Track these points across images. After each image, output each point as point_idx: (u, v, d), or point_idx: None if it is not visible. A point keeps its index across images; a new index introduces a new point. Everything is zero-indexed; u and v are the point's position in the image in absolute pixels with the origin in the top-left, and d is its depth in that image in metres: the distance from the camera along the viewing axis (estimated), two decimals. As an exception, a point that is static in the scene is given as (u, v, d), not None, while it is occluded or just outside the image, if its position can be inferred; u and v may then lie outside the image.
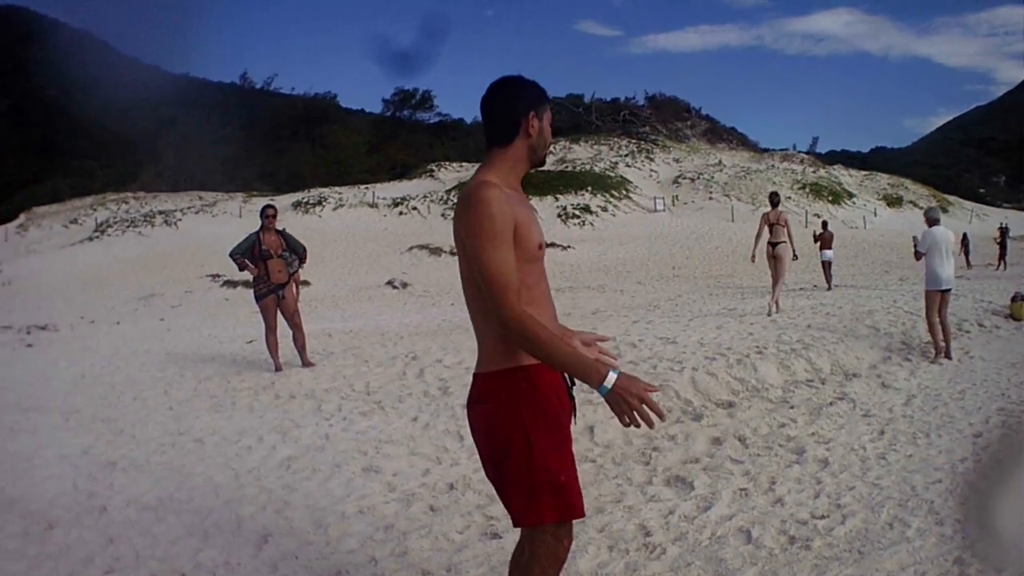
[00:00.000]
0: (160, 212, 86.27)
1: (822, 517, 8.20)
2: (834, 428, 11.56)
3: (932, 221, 18.23)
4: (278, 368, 17.29)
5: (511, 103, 5.02)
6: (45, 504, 9.88)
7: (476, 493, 9.50)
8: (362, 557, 7.97)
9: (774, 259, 24.88)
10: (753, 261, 26.41)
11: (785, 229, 24.87)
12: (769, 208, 25.70)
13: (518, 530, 5.07)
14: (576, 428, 10.98)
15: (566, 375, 4.99)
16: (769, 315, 22.21)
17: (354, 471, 10.48)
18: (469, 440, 11.08)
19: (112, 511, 9.63)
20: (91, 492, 10.30)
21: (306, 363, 17.56)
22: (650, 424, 4.41)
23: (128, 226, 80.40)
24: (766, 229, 25.12)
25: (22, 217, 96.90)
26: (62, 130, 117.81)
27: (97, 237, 78.13)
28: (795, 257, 25.28)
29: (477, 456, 10.10)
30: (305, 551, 8.19)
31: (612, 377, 4.40)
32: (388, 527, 8.64)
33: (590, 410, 11.91)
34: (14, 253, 75.00)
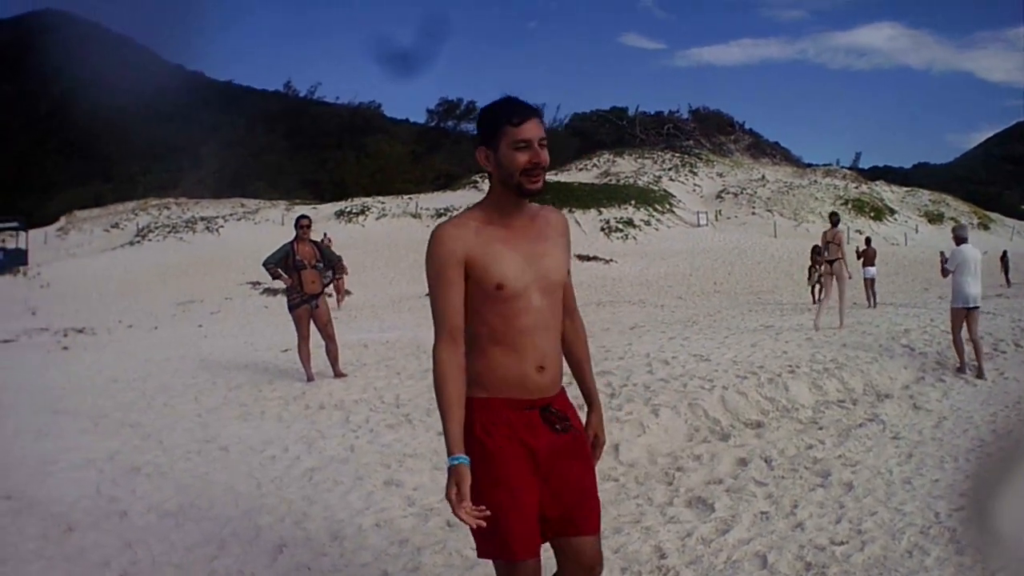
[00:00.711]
0: (202, 218, 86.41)
1: (841, 543, 8.05)
2: (862, 450, 11.38)
3: (960, 239, 18.13)
4: (310, 378, 17.24)
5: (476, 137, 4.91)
6: (66, 507, 9.94)
7: (495, 510, 9.38)
8: (375, 571, 7.94)
9: (832, 276, 25.73)
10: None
11: (840, 248, 25.64)
12: (829, 227, 26.67)
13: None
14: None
15: (551, 408, 4.95)
16: (822, 327, 22.83)
17: (375, 484, 10.45)
18: None
19: (132, 516, 9.67)
20: (113, 497, 10.35)
21: (338, 374, 17.51)
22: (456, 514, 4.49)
23: (169, 231, 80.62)
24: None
25: (63, 220, 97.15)
26: (103, 134, 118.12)
27: (138, 242, 78.42)
28: (849, 276, 25.99)
29: None
30: (319, 563, 8.17)
31: (449, 463, 4.58)
32: (403, 541, 8.60)
33: (616, 428, 11.88)
34: (54, 256, 75.25)
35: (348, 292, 44.65)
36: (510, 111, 4.72)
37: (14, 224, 74.72)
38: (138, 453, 12.27)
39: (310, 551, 8.48)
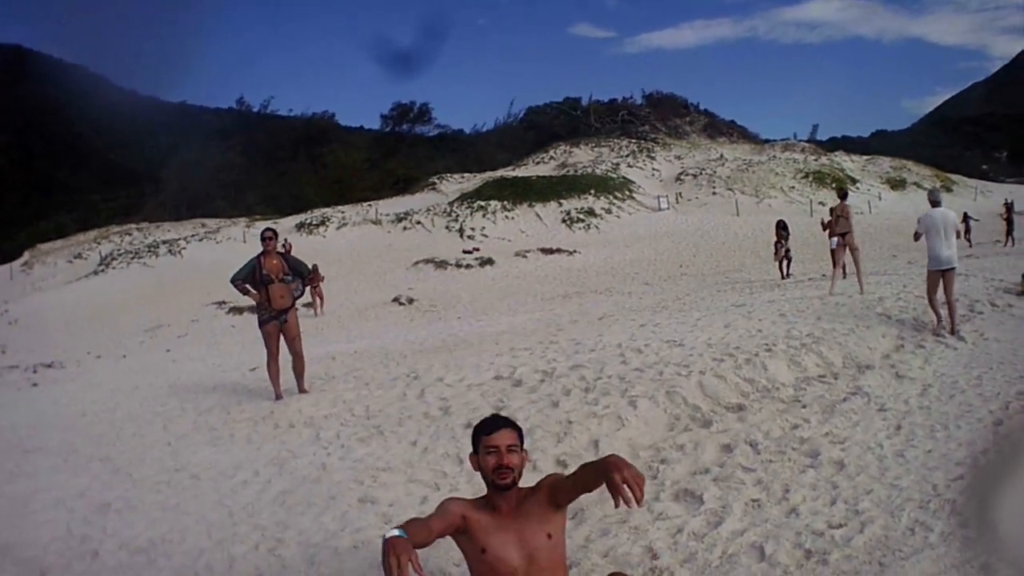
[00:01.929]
0: (164, 241, 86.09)
1: (839, 526, 7.86)
2: (849, 426, 11.12)
3: (933, 203, 18.46)
4: (279, 396, 16.95)
5: None
6: (39, 550, 9.77)
7: (471, 521, 9.18)
8: None
9: (844, 247, 27.08)
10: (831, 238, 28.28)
11: (848, 220, 27.06)
12: (839, 203, 27.98)
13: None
14: (580, 443, 10.77)
15: None
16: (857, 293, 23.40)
17: (350, 503, 10.25)
18: (468, 464, 10.93)
19: (104, 555, 9.51)
20: (84, 536, 10.18)
21: (301, 390, 17.23)
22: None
23: (133, 258, 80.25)
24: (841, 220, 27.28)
25: (26, 255, 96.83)
26: (64, 165, 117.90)
27: (102, 271, 77.95)
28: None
29: (476, 481, 9.96)
30: None
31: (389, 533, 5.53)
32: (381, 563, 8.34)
33: (594, 423, 11.73)
34: (20, 292, 74.81)
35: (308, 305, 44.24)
36: (486, 425, 6.24)
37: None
38: (108, 488, 12.04)
39: None
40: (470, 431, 11.90)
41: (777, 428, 11.28)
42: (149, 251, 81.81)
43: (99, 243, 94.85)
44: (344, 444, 12.86)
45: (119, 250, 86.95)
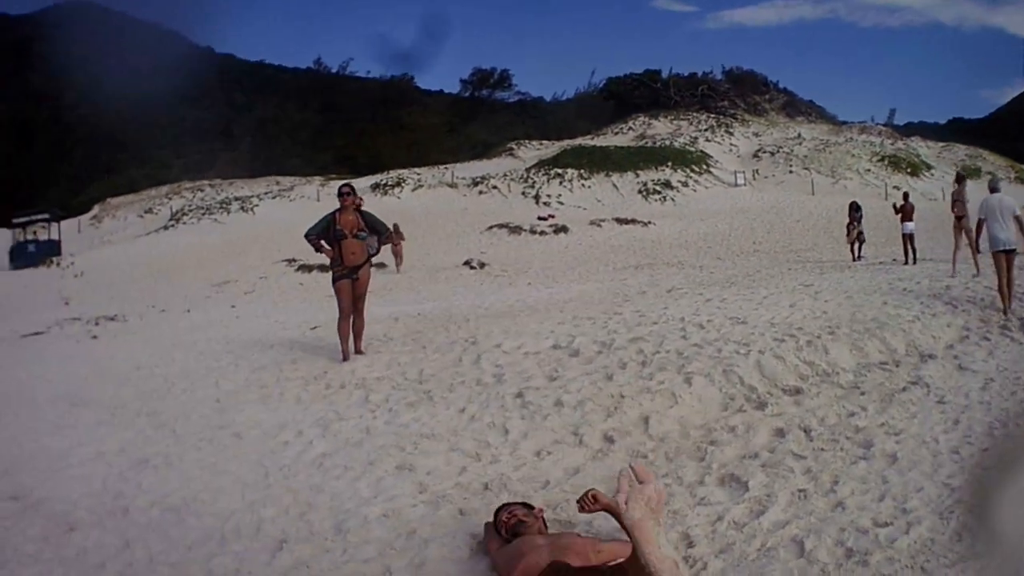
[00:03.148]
0: (236, 198, 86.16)
1: (885, 524, 7.46)
2: (906, 417, 10.65)
3: (992, 189, 19.39)
4: (345, 357, 16.66)
5: None
6: (70, 505, 9.67)
7: (511, 494, 9.00)
8: (377, 568, 7.59)
9: (960, 230, 27.36)
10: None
11: (963, 204, 27.83)
12: (955, 186, 29.05)
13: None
14: (630, 418, 10.47)
15: None
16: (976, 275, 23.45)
17: (387, 469, 10.07)
18: (514, 434, 10.83)
19: (134, 512, 9.40)
20: (118, 492, 10.08)
21: (358, 350, 16.94)
22: None
23: (204, 214, 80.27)
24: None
25: (96, 208, 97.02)
26: (135, 121, 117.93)
27: (172, 225, 78.09)
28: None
29: (519, 453, 9.66)
30: (319, 560, 7.84)
31: None
32: (410, 533, 8.24)
33: (647, 399, 11.46)
34: (88, 245, 75.14)
35: (382, 265, 44.44)
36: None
37: (45, 216, 74.31)
38: (149, 444, 11.93)
39: (312, 546, 8.16)
40: (519, 400, 11.73)
41: (833, 415, 10.87)
42: (221, 207, 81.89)
43: (170, 198, 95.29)
44: (392, 408, 12.67)
45: (190, 206, 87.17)
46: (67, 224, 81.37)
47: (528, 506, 7.68)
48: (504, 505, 7.78)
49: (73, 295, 44.31)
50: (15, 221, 74.04)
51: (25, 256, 66.27)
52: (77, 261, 61.54)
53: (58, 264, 61.78)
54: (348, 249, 16.45)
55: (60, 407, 14.65)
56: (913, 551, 6.95)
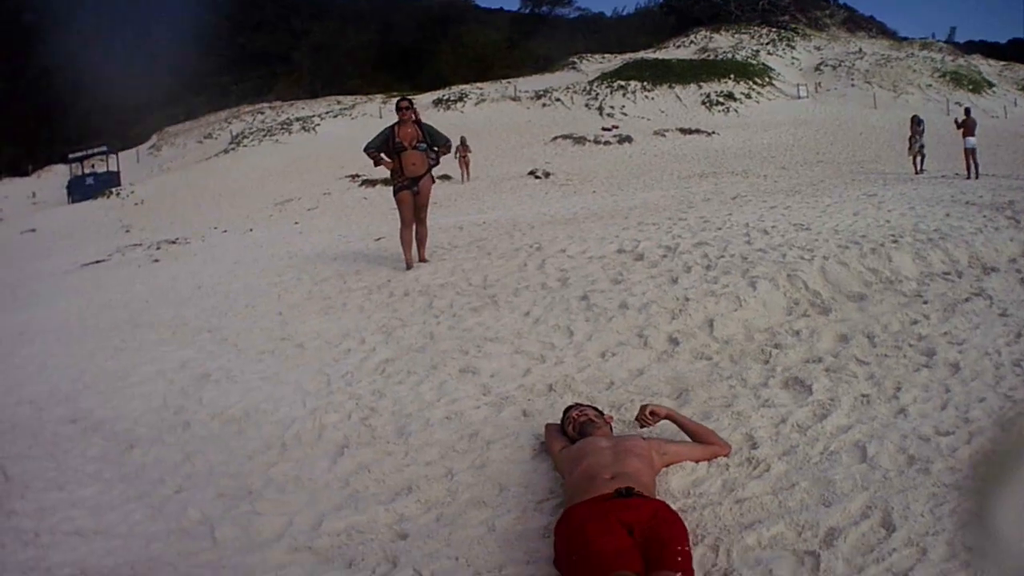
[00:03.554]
0: (297, 119, 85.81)
1: (947, 433, 7.15)
2: (968, 328, 10.20)
3: None
4: (409, 265, 16.62)
5: None
6: (130, 423, 9.68)
7: (575, 395, 8.81)
8: (439, 470, 7.46)
9: None
10: None
11: None
12: None
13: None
14: (694, 321, 10.28)
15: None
16: None
17: (450, 373, 9.94)
18: (579, 336, 10.70)
19: (195, 426, 9.38)
20: (179, 407, 10.06)
21: (422, 258, 16.88)
22: None
23: (264, 135, 80.00)
24: None
25: (154, 138, 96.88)
26: (192, 49, 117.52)
27: (232, 149, 77.69)
28: None
29: (584, 355, 9.49)
30: (381, 464, 7.74)
31: None
32: (473, 435, 8.11)
33: (711, 302, 11.19)
34: (147, 173, 75.33)
35: (447, 177, 44.60)
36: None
37: (102, 149, 74.49)
38: (210, 359, 11.89)
39: (373, 451, 8.08)
40: (584, 303, 11.53)
41: (896, 322, 10.49)
42: (282, 128, 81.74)
43: (229, 123, 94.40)
44: (456, 313, 12.53)
45: (250, 129, 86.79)
46: (125, 155, 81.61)
47: (599, 411, 7.49)
48: (575, 404, 7.63)
49: (133, 223, 44.62)
50: (71, 156, 74.61)
51: (83, 189, 66.53)
52: (137, 190, 61.90)
53: (117, 194, 62.03)
54: (408, 160, 16.30)
55: (121, 331, 14.68)
56: (974, 461, 6.66)
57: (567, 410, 7.51)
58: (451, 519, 6.63)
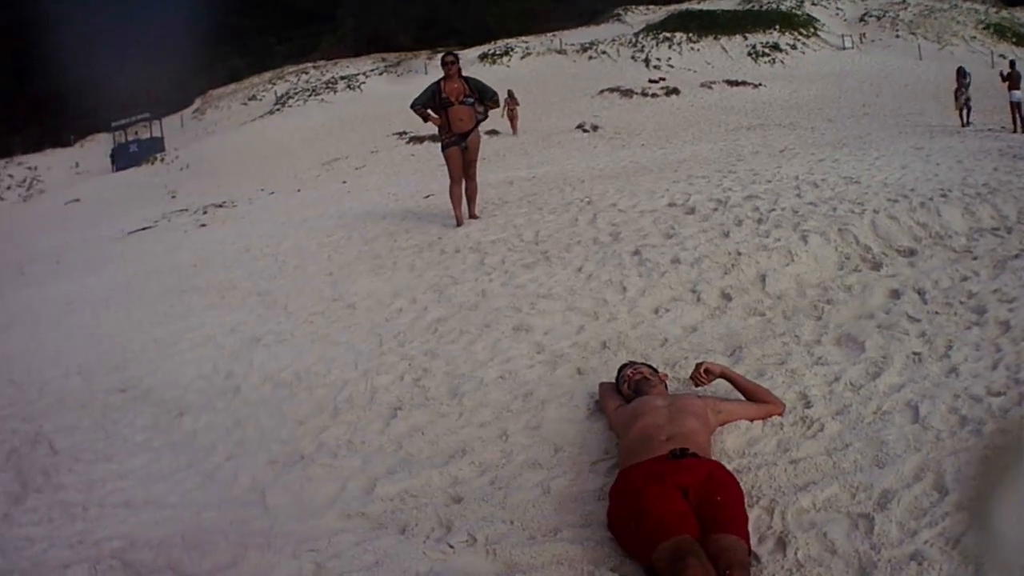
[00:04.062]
0: (342, 77, 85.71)
1: (998, 394, 6.93)
2: (1018, 286, 9.82)
3: None
4: (459, 222, 16.56)
5: None
6: (180, 390, 9.65)
7: (629, 352, 8.69)
8: (493, 431, 7.36)
9: None
10: None
11: None
12: None
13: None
14: (747, 276, 10.15)
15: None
16: None
17: (503, 331, 9.82)
18: (632, 292, 10.57)
19: (245, 391, 9.34)
20: (229, 372, 10.03)
21: (472, 215, 16.80)
22: None
23: (310, 95, 79.85)
24: None
25: (198, 102, 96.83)
26: (233, 10, 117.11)
27: (278, 110, 77.46)
28: None
29: (637, 311, 9.40)
30: (434, 425, 7.65)
31: None
32: (527, 395, 7.99)
33: (763, 256, 11.02)
34: (192, 137, 75.34)
35: (495, 132, 44.59)
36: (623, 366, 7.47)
37: (145, 115, 74.52)
38: (260, 323, 11.87)
39: (426, 412, 7.98)
40: (637, 258, 11.39)
41: (946, 278, 10.20)
42: (327, 87, 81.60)
43: (274, 84, 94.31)
44: (508, 270, 12.43)
45: (295, 89, 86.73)
46: (169, 121, 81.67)
47: (653, 369, 7.39)
48: (630, 362, 7.52)
49: (179, 188, 44.83)
50: (114, 124, 74.50)
51: (127, 157, 66.95)
52: (182, 155, 62.05)
53: (162, 160, 62.21)
54: (455, 116, 16.16)
55: (169, 297, 14.69)
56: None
57: (622, 368, 7.41)
58: (506, 481, 6.55)
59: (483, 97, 16.48)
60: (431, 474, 6.78)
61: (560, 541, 5.55)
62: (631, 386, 7.04)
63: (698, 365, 7.14)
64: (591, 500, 6.10)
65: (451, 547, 5.57)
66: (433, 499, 6.40)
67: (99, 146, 77.62)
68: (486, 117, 16.72)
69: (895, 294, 9.71)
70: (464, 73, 16.72)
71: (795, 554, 5.18)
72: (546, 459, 6.80)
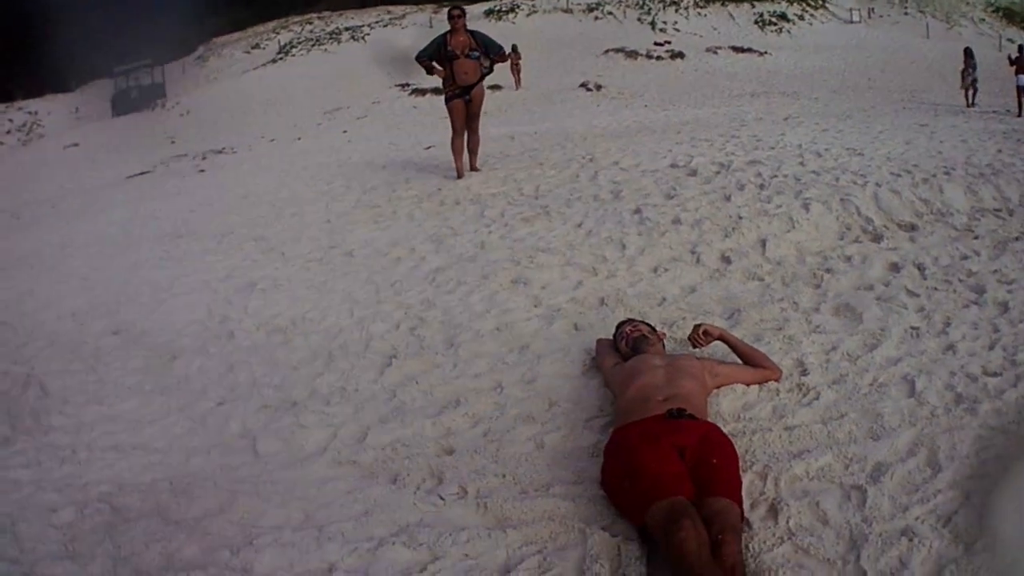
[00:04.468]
0: (346, 28, 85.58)
1: (995, 374, 6.92)
2: (1018, 268, 9.82)
3: None
4: (459, 174, 16.55)
5: None
6: (173, 334, 9.57)
7: (627, 309, 8.68)
8: (487, 383, 7.32)
9: None
10: None
11: None
12: None
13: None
14: (747, 240, 10.16)
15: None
16: None
17: (501, 283, 9.80)
18: (631, 249, 10.58)
19: (239, 336, 9.28)
20: (223, 317, 9.98)
21: (473, 167, 16.79)
22: None
23: (313, 45, 79.70)
24: None
25: (200, 49, 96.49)
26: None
27: (281, 59, 77.25)
28: None
29: (636, 269, 9.43)
30: (429, 375, 7.62)
31: None
32: (523, 348, 7.96)
33: (764, 222, 11.03)
34: (193, 84, 75.22)
35: (497, 87, 44.71)
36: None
37: (147, 62, 74.28)
38: (256, 268, 11.80)
39: (420, 362, 7.95)
40: (637, 216, 11.36)
41: (946, 255, 10.19)
42: (331, 38, 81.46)
43: (278, 32, 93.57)
44: (507, 223, 12.41)
45: (299, 38, 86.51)
46: (171, 67, 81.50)
47: (651, 327, 7.37)
48: (628, 320, 7.49)
49: (179, 134, 44.66)
50: (116, 70, 74.13)
51: (128, 102, 66.78)
52: (182, 101, 61.91)
53: (163, 106, 62.10)
54: (460, 69, 16.16)
55: (165, 242, 14.58)
56: (1020, 406, 6.43)
57: (620, 325, 7.36)
58: (499, 435, 6.51)
59: (489, 51, 16.44)
60: (424, 424, 6.75)
61: (552, 497, 5.52)
62: (629, 343, 7.00)
63: (696, 327, 7.10)
64: (584, 457, 6.07)
65: (442, 499, 5.53)
66: (425, 449, 6.37)
67: (100, 91, 77.25)
68: (491, 71, 16.71)
69: (895, 267, 9.71)
70: (470, 28, 16.69)
71: (787, 522, 5.16)
72: (540, 413, 6.75)
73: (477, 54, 16.20)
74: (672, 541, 4.71)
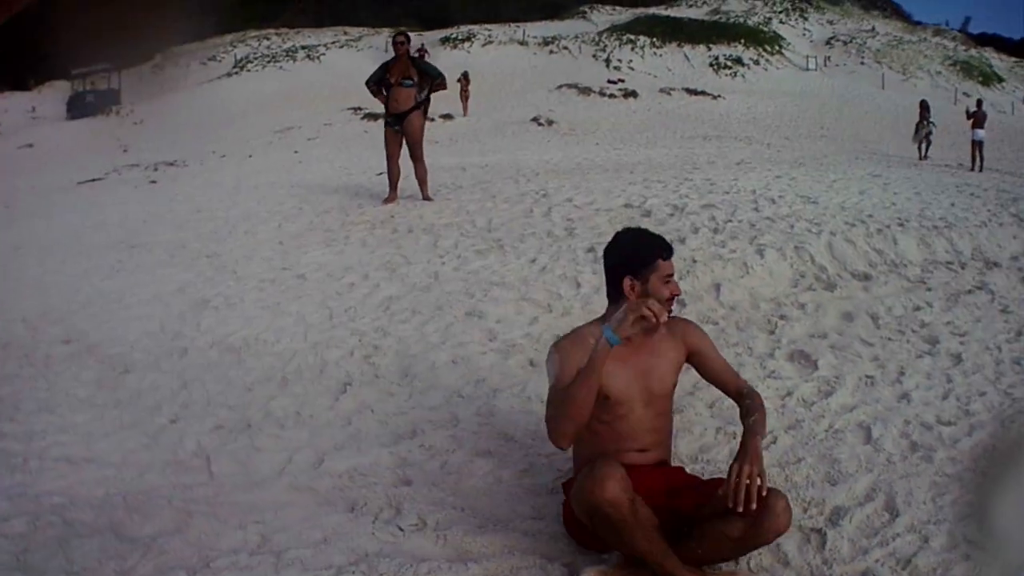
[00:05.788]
0: (303, 47, 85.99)
1: (948, 424, 7.10)
2: (971, 320, 10.10)
3: None
4: (389, 200, 16.78)
5: (613, 264, 5.47)
6: (126, 347, 9.45)
7: (584, 349, 8.61)
8: (444, 415, 7.31)
9: None
10: None
11: None
12: None
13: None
14: (702, 283, 10.41)
15: None
16: None
17: (456, 315, 9.78)
18: (586, 288, 10.57)
19: (193, 353, 9.19)
20: (176, 333, 9.87)
21: (425, 197, 16.83)
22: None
23: (269, 61, 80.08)
24: None
25: (157, 57, 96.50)
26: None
27: (236, 73, 77.78)
28: None
29: (591, 308, 9.70)
30: (384, 404, 7.59)
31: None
32: (479, 381, 7.96)
33: (719, 266, 11.11)
34: (149, 92, 75.07)
35: (448, 116, 45.14)
36: (662, 246, 5.42)
37: (105, 66, 73.98)
38: (209, 285, 11.71)
39: (376, 390, 7.92)
40: (592, 255, 11.40)
41: (900, 306, 10.38)
42: (287, 55, 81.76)
43: (235, 46, 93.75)
44: (461, 255, 12.41)
45: (255, 53, 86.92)
46: (128, 74, 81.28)
47: None
48: None
49: (132, 142, 44.41)
50: (74, 72, 73.91)
51: (83, 106, 66.69)
52: (136, 109, 61.55)
53: (117, 113, 61.79)
54: (392, 96, 16.52)
55: (117, 251, 14.50)
56: (975, 455, 6.60)
57: None
58: (456, 467, 6.50)
59: (426, 77, 16.67)
60: (380, 453, 6.73)
61: (512, 532, 5.52)
62: None
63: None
64: (544, 493, 6.10)
65: (401, 530, 5.51)
66: (382, 479, 6.34)
67: (57, 92, 77.12)
68: (426, 100, 16.88)
69: (848, 316, 9.86)
70: (427, 56, 16.88)
71: (748, 563, 5.19)
72: (497, 448, 6.76)
73: (410, 82, 16.41)
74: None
